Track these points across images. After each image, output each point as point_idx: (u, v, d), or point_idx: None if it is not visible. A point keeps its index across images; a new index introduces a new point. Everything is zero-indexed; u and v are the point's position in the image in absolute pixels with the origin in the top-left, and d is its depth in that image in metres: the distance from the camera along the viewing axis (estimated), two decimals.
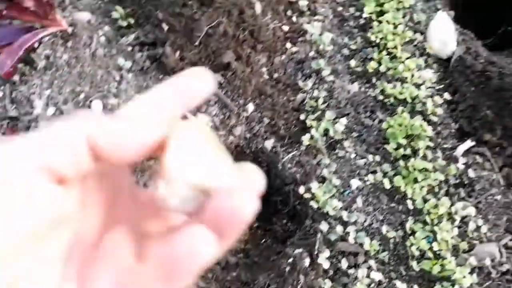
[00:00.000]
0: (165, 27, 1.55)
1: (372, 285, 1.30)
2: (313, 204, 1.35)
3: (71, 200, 0.27)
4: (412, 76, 1.46)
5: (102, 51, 1.56)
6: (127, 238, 0.29)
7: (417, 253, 1.31)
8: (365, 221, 1.36)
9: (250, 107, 1.49)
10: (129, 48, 1.58)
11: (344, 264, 1.31)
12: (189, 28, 1.53)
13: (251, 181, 0.27)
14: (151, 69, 1.55)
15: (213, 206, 0.25)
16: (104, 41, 1.57)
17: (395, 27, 1.53)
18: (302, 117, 1.46)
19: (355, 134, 1.45)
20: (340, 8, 1.62)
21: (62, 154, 0.25)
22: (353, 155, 1.43)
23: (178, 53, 1.54)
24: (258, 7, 1.57)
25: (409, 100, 1.43)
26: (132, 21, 1.59)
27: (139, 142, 0.27)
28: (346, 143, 1.43)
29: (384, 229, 1.34)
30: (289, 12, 1.62)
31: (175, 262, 0.24)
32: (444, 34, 1.49)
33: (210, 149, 0.28)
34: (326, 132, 1.43)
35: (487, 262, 1.31)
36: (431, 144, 1.40)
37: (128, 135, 0.27)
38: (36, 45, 1.50)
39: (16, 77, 1.49)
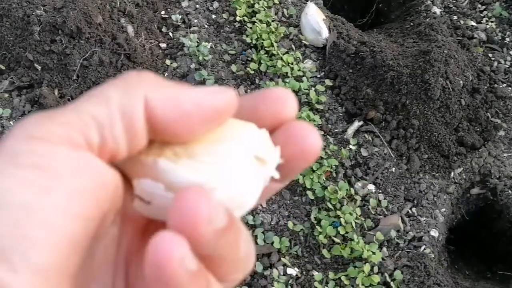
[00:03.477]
0: (38, 67, 1.49)
1: (290, 281, 1.31)
2: None
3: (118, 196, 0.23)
4: (292, 70, 1.49)
5: None
6: None
7: (326, 241, 1.33)
8: (271, 220, 1.36)
9: None
10: (6, 95, 1.51)
11: (258, 267, 1.31)
12: (62, 63, 1.48)
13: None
14: (33, 113, 1.50)
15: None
16: None
17: (268, 25, 1.55)
18: None
19: None
20: (214, 16, 1.63)
21: (117, 126, 0.21)
22: None
23: (57, 91, 1.49)
24: (130, 30, 1.55)
25: None
26: (3, 66, 1.52)
27: (207, 110, 0.22)
28: None
29: (290, 223, 1.35)
30: (164, 29, 1.61)
31: None
32: (316, 23, 1.53)
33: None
34: None
35: (393, 234, 1.35)
36: (322, 132, 1.43)
37: (195, 102, 0.22)
38: None
39: None
